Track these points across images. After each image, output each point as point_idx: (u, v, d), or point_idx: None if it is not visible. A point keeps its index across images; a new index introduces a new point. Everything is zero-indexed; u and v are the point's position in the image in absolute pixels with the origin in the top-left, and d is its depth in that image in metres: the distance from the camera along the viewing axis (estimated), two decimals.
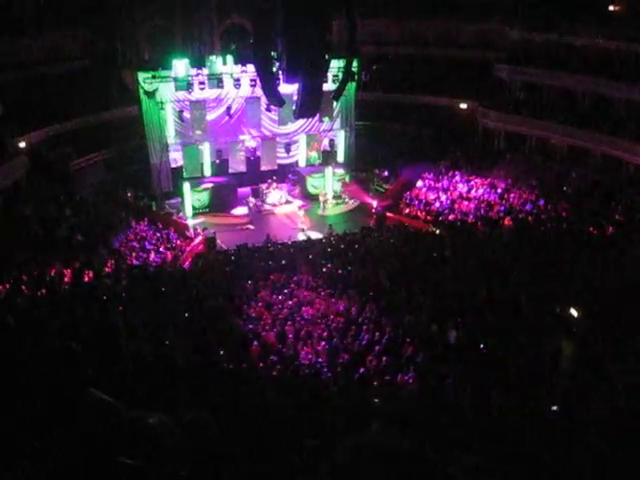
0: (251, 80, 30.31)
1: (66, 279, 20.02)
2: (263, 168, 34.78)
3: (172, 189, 32.61)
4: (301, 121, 33.29)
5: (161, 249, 25.33)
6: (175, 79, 30.39)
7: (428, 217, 29.83)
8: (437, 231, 28.31)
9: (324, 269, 22.55)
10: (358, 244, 26.26)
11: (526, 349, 15.54)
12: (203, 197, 31.97)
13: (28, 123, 31.04)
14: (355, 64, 29.81)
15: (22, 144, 29.38)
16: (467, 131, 37.58)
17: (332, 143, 36.19)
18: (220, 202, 32.25)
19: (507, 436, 7.32)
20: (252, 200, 33.00)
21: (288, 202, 33.30)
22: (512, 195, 29.98)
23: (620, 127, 30.75)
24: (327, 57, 24.56)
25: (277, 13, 22.50)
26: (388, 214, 30.97)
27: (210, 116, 32.62)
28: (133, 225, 27.42)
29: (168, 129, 31.77)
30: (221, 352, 14.00)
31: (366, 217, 31.66)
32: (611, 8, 34.36)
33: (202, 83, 30.58)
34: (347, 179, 35.24)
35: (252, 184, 33.65)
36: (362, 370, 13.39)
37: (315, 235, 29.08)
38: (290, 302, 18.61)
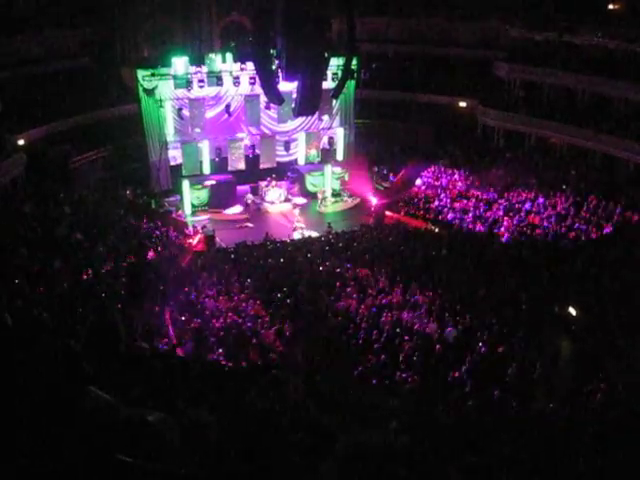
0: (250, 78, 30.26)
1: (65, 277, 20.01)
2: (262, 166, 34.74)
3: (171, 187, 32.59)
4: (300, 119, 33.25)
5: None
6: (174, 77, 30.34)
7: (427, 215, 29.81)
8: (436, 230, 28.33)
9: (321, 267, 22.55)
10: (357, 242, 26.25)
11: (526, 349, 15.55)
12: (202, 195, 31.96)
13: (27, 120, 31.03)
14: (354, 62, 29.79)
15: (21, 141, 29.36)
16: (467, 129, 37.58)
17: (331, 141, 36.16)
18: (219, 200, 32.23)
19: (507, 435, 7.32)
20: (250, 197, 32.99)
21: (287, 200, 33.28)
22: (511, 194, 29.95)
23: (620, 126, 30.75)
24: (326, 55, 24.59)
25: (277, 11, 22.50)
26: (387, 212, 30.98)
27: (209, 114, 32.58)
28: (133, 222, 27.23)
29: (167, 127, 31.73)
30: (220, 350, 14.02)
31: (365, 215, 31.67)
32: (610, 7, 34.37)
33: (201, 81, 30.53)
34: (346, 177, 35.24)
35: (251, 182, 33.64)
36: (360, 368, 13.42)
37: (310, 234, 29.05)
38: None
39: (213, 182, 32.27)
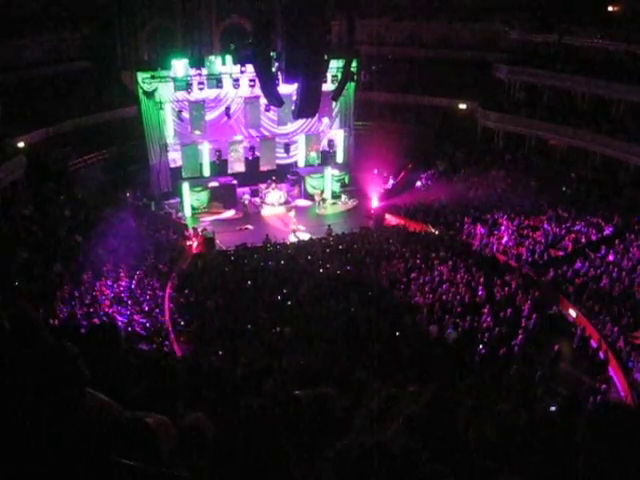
0: (250, 80, 30.29)
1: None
2: (262, 168, 34.75)
3: (171, 189, 32.59)
4: (300, 121, 33.27)
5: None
6: (174, 79, 30.37)
7: (427, 217, 29.78)
8: (436, 232, 28.31)
9: (321, 270, 22.58)
10: (357, 244, 26.28)
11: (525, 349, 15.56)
12: (202, 197, 31.97)
13: (27, 123, 30.99)
14: (354, 64, 29.81)
15: (21, 144, 29.33)
16: (466, 131, 37.56)
17: (331, 143, 36.17)
18: (219, 202, 32.27)
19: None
20: (246, 198, 32.98)
21: (287, 202, 33.29)
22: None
23: (619, 128, 30.75)
24: (326, 57, 24.56)
25: (276, 13, 22.50)
26: (387, 215, 31.00)
27: (209, 116, 32.61)
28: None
29: (167, 129, 31.77)
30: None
31: (364, 216, 31.70)
32: (610, 9, 34.36)
33: (201, 83, 30.56)
34: (346, 180, 35.28)
35: (252, 184, 33.67)
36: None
37: (306, 236, 29.05)
38: None
39: (216, 184, 32.31)
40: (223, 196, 32.40)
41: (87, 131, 33.50)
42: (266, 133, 34.57)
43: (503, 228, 26.95)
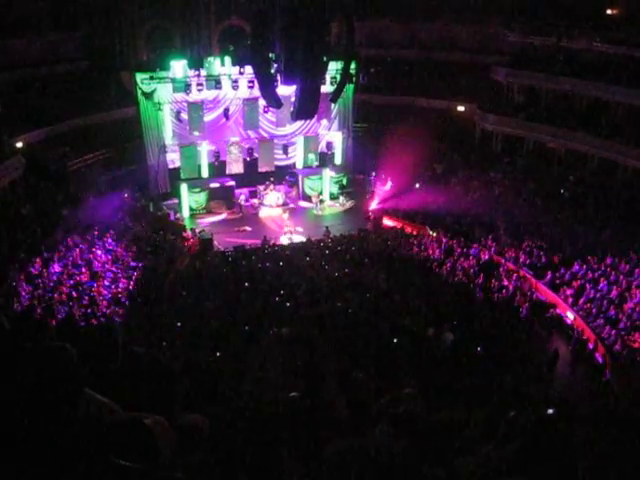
0: (249, 82, 30.29)
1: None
2: (261, 169, 34.74)
3: (169, 190, 32.58)
4: (299, 123, 33.29)
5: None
6: (173, 80, 30.36)
7: (425, 220, 29.79)
8: (434, 234, 28.31)
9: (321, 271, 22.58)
10: (355, 246, 26.29)
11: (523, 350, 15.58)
12: (200, 198, 31.96)
13: (26, 123, 30.97)
14: (353, 66, 29.82)
15: (19, 144, 29.30)
16: (465, 134, 37.57)
17: (329, 145, 36.18)
18: (219, 203, 32.30)
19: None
20: (243, 198, 32.98)
21: (285, 203, 33.27)
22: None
23: (618, 131, 30.78)
24: (325, 59, 24.58)
25: (275, 15, 22.52)
26: (385, 216, 31.00)
27: (208, 117, 32.58)
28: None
29: (166, 130, 31.76)
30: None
31: (362, 217, 31.72)
32: (609, 12, 34.40)
33: (200, 84, 30.56)
34: (345, 181, 35.27)
35: (250, 185, 33.66)
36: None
37: (298, 238, 29.01)
38: None
39: (217, 185, 32.32)
40: (221, 197, 32.39)
41: (85, 131, 33.48)
42: (265, 134, 34.57)
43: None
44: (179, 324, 18.01)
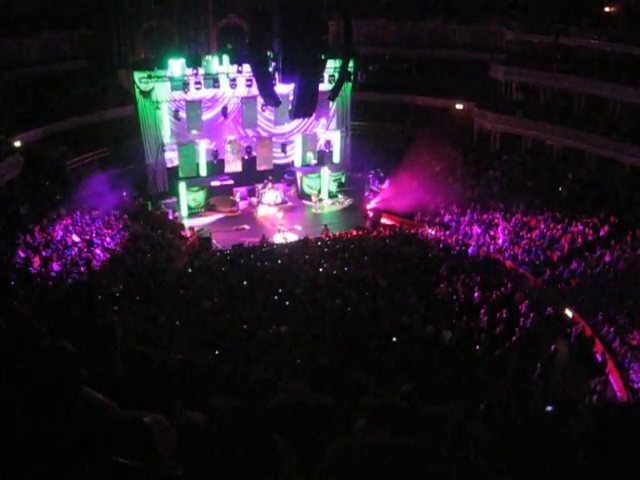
0: (247, 80, 30.29)
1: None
2: (259, 168, 34.72)
3: (168, 189, 32.55)
4: (297, 121, 33.26)
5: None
6: (171, 79, 30.35)
7: (423, 218, 29.81)
8: (432, 232, 28.34)
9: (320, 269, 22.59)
10: (354, 244, 26.29)
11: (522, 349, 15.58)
12: (199, 197, 31.94)
13: (24, 122, 30.92)
14: (351, 64, 29.83)
15: (17, 143, 29.25)
16: (463, 132, 37.55)
17: (328, 144, 36.16)
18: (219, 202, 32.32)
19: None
20: (238, 196, 32.96)
21: (284, 202, 33.25)
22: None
23: (616, 128, 30.79)
24: (323, 57, 24.58)
25: (273, 13, 22.51)
26: (383, 215, 31.01)
27: (206, 116, 32.55)
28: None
29: (164, 129, 31.73)
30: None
31: (360, 215, 31.72)
32: (607, 9, 34.39)
33: (198, 83, 30.54)
34: (343, 180, 35.28)
35: (249, 184, 33.65)
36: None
37: (292, 237, 28.96)
38: None
39: (218, 183, 32.29)
40: (219, 196, 32.37)
41: (84, 130, 33.43)
42: (263, 133, 34.55)
43: (500, 229, 27.01)
44: (177, 322, 17.99)
